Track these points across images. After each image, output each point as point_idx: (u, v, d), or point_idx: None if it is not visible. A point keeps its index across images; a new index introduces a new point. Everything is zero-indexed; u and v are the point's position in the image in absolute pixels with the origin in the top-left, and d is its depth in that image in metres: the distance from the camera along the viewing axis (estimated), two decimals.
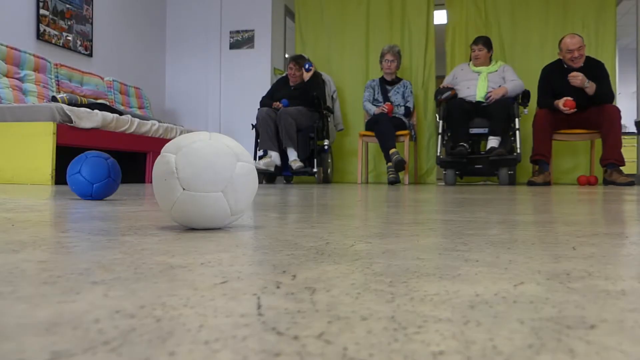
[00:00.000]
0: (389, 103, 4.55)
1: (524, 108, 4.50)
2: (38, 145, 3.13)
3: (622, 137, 4.34)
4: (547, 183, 4.23)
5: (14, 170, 3.18)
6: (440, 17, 6.93)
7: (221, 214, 0.77)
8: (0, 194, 1.85)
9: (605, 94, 4.13)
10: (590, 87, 4.07)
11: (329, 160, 4.92)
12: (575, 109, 4.09)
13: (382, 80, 4.80)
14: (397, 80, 4.79)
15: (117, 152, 4.06)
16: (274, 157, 4.30)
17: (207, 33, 5.74)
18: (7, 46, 3.63)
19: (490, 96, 4.33)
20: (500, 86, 4.40)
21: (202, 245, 0.62)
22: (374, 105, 4.74)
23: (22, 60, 3.75)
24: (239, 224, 0.89)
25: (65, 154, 3.35)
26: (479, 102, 4.40)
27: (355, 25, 5.41)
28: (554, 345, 0.27)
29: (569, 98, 4.06)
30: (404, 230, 0.81)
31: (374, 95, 4.79)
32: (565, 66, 4.22)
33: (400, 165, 4.07)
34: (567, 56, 4.18)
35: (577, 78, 4.05)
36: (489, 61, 4.58)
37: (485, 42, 4.54)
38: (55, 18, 4.29)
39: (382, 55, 4.72)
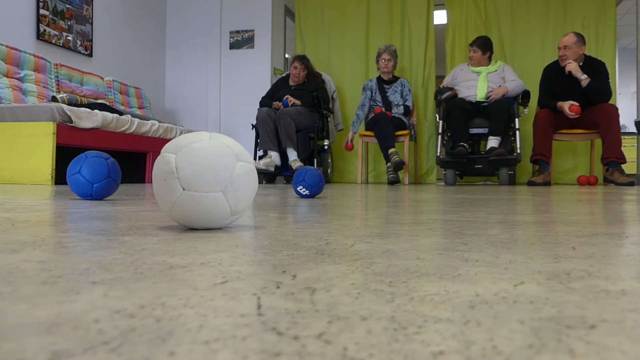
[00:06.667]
0: (379, 107, 4.54)
1: (524, 108, 4.50)
2: (38, 145, 3.13)
3: (622, 137, 4.34)
4: (547, 183, 4.23)
5: (14, 170, 3.18)
6: (440, 17, 6.93)
7: (221, 214, 0.77)
8: (0, 194, 1.85)
9: (603, 90, 4.11)
10: (585, 80, 4.06)
11: (329, 160, 4.92)
12: (579, 115, 4.08)
13: (380, 80, 4.79)
14: (394, 79, 4.78)
15: (117, 152, 4.06)
16: (274, 157, 4.30)
17: (207, 33, 5.74)
18: (7, 46, 3.63)
19: (490, 96, 4.33)
20: (500, 86, 4.40)
21: (202, 245, 0.62)
22: (373, 105, 4.74)
23: (22, 60, 3.75)
24: (239, 224, 0.89)
25: (65, 154, 3.35)
26: (479, 102, 4.40)
27: (355, 25, 5.41)
28: (554, 345, 0.27)
29: (575, 103, 4.05)
30: (404, 230, 0.81)
31: (372, 95, 4.79)
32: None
33: (399, 166, 4.07)
34: (559, 53, 4.19)
35: (571, 65, 4.06)
36: (486, 61, 4.57)
37: (481, 43, 4.51)
38: (55, 18, 4.29)
39: (379, 55, 4.72)
